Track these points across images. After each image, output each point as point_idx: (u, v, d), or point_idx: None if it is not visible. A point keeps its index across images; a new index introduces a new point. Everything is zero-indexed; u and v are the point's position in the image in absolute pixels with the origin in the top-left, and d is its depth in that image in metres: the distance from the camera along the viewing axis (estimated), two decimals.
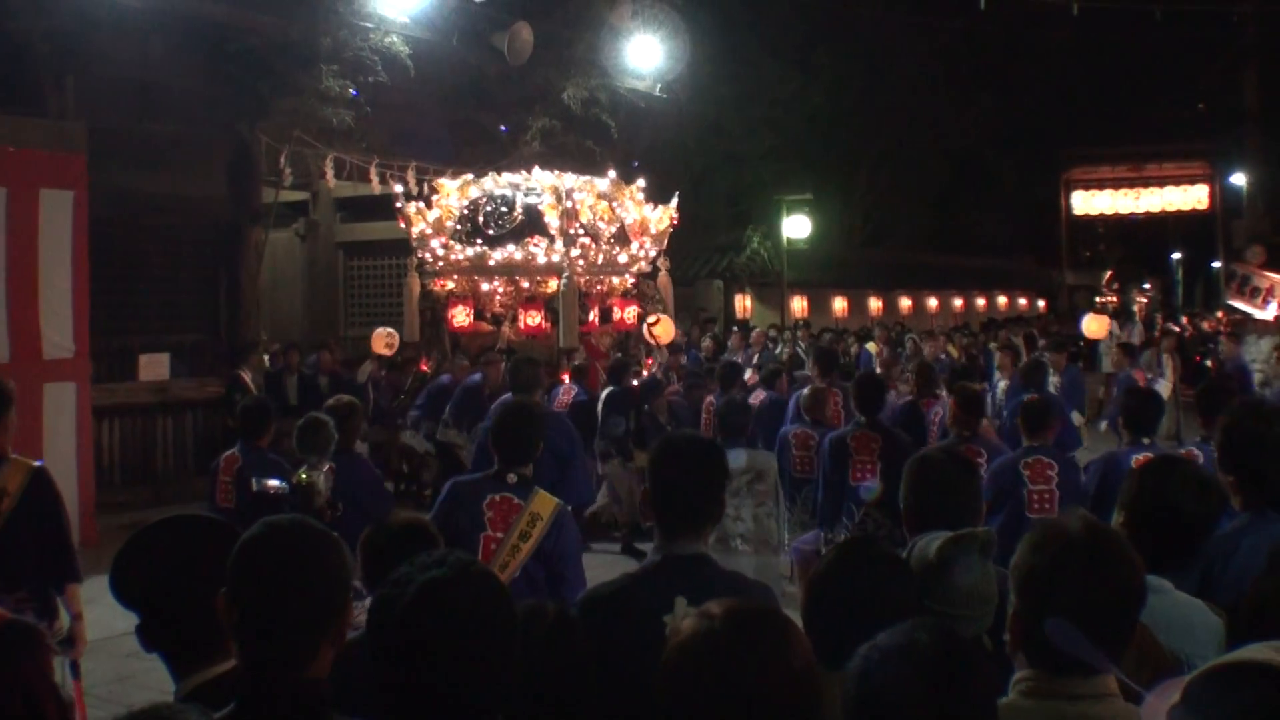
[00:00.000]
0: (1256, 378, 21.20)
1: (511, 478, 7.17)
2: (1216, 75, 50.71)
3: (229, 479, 10.03)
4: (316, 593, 3.18)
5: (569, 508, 7.35)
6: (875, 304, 47.99)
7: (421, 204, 20.64)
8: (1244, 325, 32.08)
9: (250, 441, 10.05)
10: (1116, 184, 60.25)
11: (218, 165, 21.06)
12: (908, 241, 55.27)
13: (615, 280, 21.36)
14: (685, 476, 4.65)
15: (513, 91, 24.61)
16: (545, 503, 7.11)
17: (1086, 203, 61.17)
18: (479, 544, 6.92)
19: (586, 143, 25.02)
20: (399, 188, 21.24)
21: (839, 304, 45.77)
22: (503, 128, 24.83)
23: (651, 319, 21.15)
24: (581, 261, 20.03)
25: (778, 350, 26.72)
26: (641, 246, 21.08)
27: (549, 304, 20.09)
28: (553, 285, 20.05)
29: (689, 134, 32.19)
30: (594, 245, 20.25)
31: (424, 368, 20.32)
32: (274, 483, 8.99)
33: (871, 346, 27.07)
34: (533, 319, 20.23)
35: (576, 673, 4.22)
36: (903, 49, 47.24)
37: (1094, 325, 26.78)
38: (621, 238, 20.83)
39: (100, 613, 10.97)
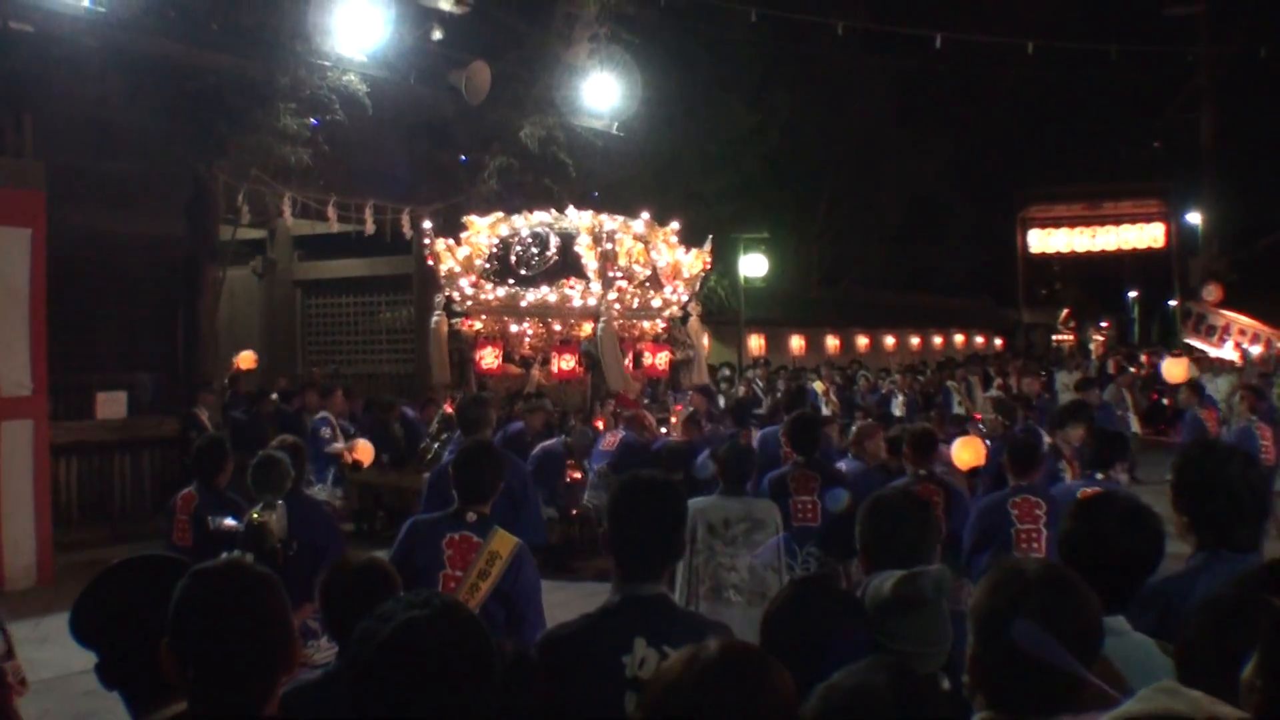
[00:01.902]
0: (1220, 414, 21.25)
1: (471, 516, 7.17)
2: (1172, 115, 51.16)
3: (185, 517, 9.94)
4: (256, 636, 3.20)
5: (528, 547, 7.36)
6: (833, 342, 48.02)
7: (451, 241, 20.50)
8: (1202, 363, 32.23)
9: (206, 480, 9.99)
10: (1073, 222, 60.44)
11: (175, 203, 20.98)
12: (865, 280, 55.41)
13: (647, 325, 21.21)
14: (643, 517, 4.66)
15: (470, 130, 24.61)
16: (504, 541, 7.11)
17: (1043, 241, 61.34)
18: (439, 582, 6.91)
19: (544, 181, 25.02)
20: (427, 223, 21.11)
21: (796, 342, 45.80)
22: (462, 157, 24.79)
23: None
24: (618, 305, 19.87)
25: (731, 390, 26.71)
26: (675, 291, 20.93)
27: (582, 348, 19.94)
28: (586, 328, 19.90)
29: (646, 172, 32.22)
30: (630, 288, 20.11)
31: (449, 409, 20.08)
32: (229, 522, 8.96)
33: (818, 385, 27.12)
34: (566, 363, 20.04)
35: (534, 713, 4.23)
36: (859, 87, 47.41)
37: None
38: (654, 281, 20.70)
39: (56, 651, 10.95)
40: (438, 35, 23.16)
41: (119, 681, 3.69)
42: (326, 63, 20.84)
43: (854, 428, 13.60)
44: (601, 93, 26.67)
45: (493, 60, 23.71)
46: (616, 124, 27.63)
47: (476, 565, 7.00)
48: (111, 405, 19.94)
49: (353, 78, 21.17)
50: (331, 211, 22.55)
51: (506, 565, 7.02)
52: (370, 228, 23.12)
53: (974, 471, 13.78)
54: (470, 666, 2.98)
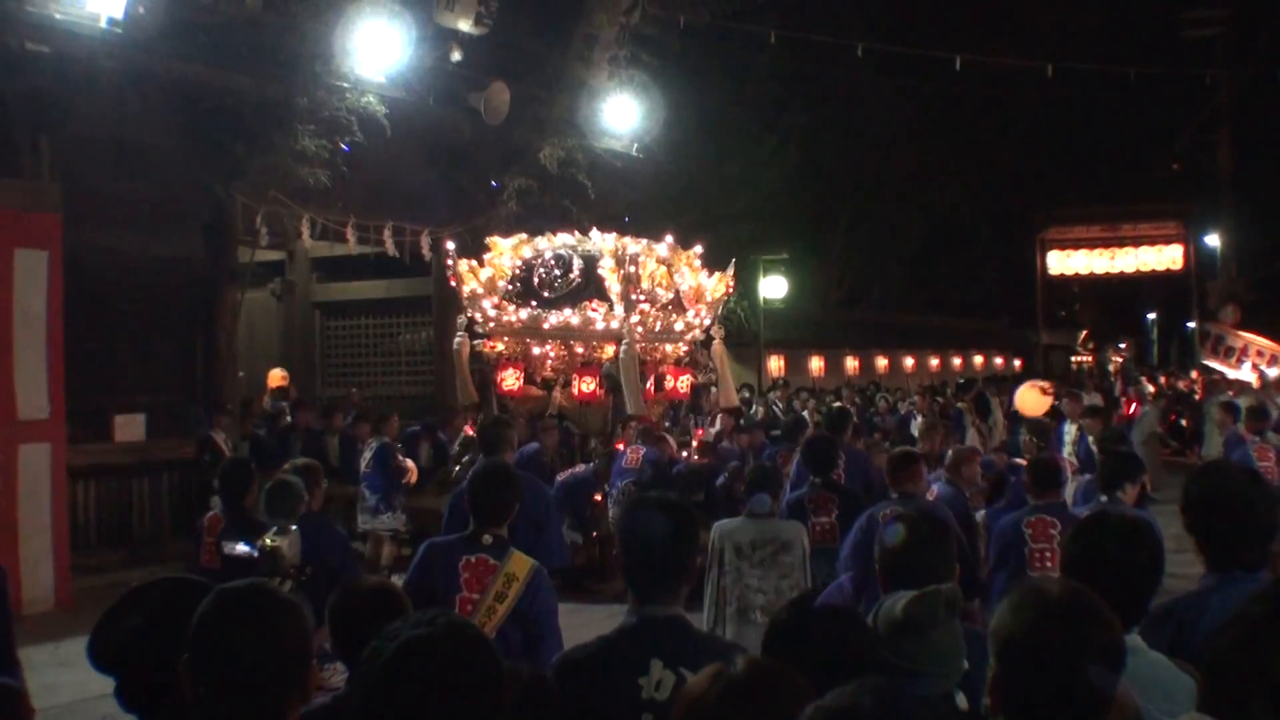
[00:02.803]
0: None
1: (487, 538, 7.15)
2: (1191, 137, 51.16)
3: (213, 540, 9.90)
4: (275, 658, 3.19)
5: (545, 569, 7.32)
6: (852, 363, 48.00)
7: (474, 262, 20.49)
8: (1219, 385, 32.16)
9: (233, 502, 9.94)
10: (1091, 244, 60.34)
11: (193, 225, 21.00)
12: (884, 301, 55.43)
13: (669, 348, 21.18)
14: (655, 538, 4.64)
15: (490, 152, 24.62)
16: (521, 563, 7.09)
17: (1062, 263, 61.23)
18: (455, 605, 6.89)
19: (564, 202, 25.01)
20: (450, 244, 21.01)
21: (816, 364, 45.75)
22: (494, 184, 24.79)
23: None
24: (640, 328, 19.83)
25: (752, 410, 26.68)
26: (697, 315, 20.88)
27: (603, 370, 19.92)
28: (608, 351, 19.90)
29: (665, 193, 32.22)
30: (653, 311, 20.12)
31: (470, 430, 19.96)
32: (242, 548, 8.93)
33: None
34: (587, 385, 19.96)
35: None
36: (878, 109, 47.32)
37: (1028, 400, 26.58)
38: (677, 304, 20.68)
39: (75, 675, 10.93)
40: (457, 56, 23.17)
41: (137, 704, 3.66)
42: (345, 84, 20.87)
43: (949, 453, 13.46)
44: (621, 114, 26.68)
45: (512, 82, 23.73)
46: (636, 145, 27.65)
47: (493, 588, 6.98)
48: (129, 428, 19.91)
49: (371, 99, 21.19)
50: (350, 233, 22.56)
51: (523, 587, 7.00)
52: (390, 249, 23.12)
53: (998, 491, 13.74)
54: (476, 683, 2.95)
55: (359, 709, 2.94)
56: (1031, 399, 24.93)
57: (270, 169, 20.35)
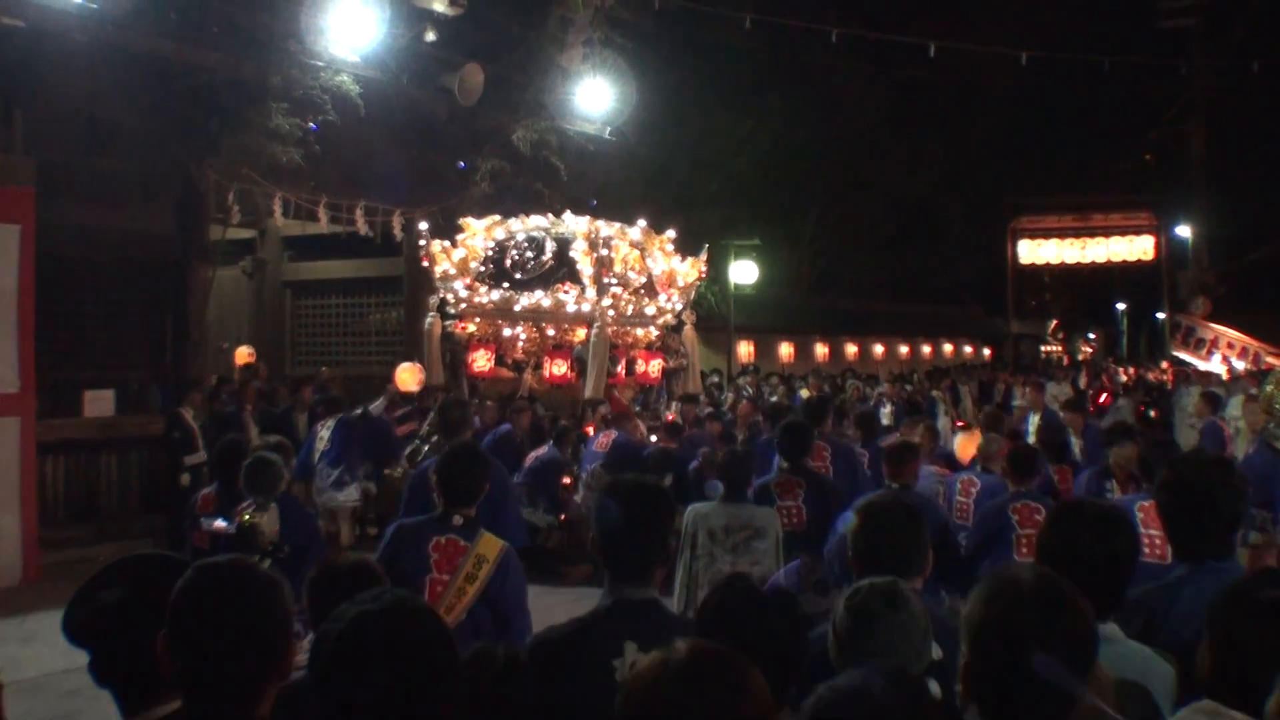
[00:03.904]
0: (1199, 425, 21.17)
1: (457, 519, 7.15)
2: (1163, 127, 51.32)
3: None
4: (255, 635, 3.18)
5: (514, 551, 7.32)
6: (821, 350, 48.07)
7: (447, 243, 20.45)
8: (1188, 376, 32.25)
9: (227, 482, 9.88)
10: (1063, 234, 60.51)
11: (165, 201, 20.93)
12: (855, 288, 55.39)
13: (640, 332, 21.17)
14: (630, 521, 4.64)
15: (463, 132, 24.59)
16: (491, 545, 7.08)
17: (1033, 252, 61.41)
18: (425, 586, 6.88)
19: (536, 184, 24.98)
20: (423, 225, 20.93)
21: (785, 349, 45.84)
22: (461, 164, 24.75)
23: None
24: (612, 311, 19.81)
25: (722, 397, 26.66)
26: (669, 299, 20.88)
27: (575, 353, 19.89)
28: (580, 334, 19.86)
29: (638, 176, 32.21)
30: (625, 295, 20.08)
31: None
32: (220, 524, 8.90)
33: (804, 392, 27.17)
34: (558, 367, 20.03)
35: (525, 716, 4.20)
36: (852, 95, 47.43)
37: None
38: (649, 289, 20.66)
39: (39, 650, 10.91)
40: (431, 37, 23.10)
41: (111, 680, 3.65)
42: (319, 63, 20.80)
43: (985, 441, 13.47)
44: (594, 97, 26.65)
45: (486, 63, 23.66)
46: (609, 128, 27.61)
47: (463, 569, 6.97)
48: (99, 404, 19.85)
49: (345, 78, 21.13)
50: (322, 212, 22.51)
51: (494, 569, 6.99)
52: (361, 229, 23.08)
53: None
54: (425, 658, 2.97)
55: (315, 687, 2.95)
56: None
57: (243, 147, 20.29)
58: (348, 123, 21.17)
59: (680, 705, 2.75)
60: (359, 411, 19.26)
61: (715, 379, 29.67)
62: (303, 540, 8.98)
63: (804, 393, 26.82)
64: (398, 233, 23.73)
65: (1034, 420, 19.25)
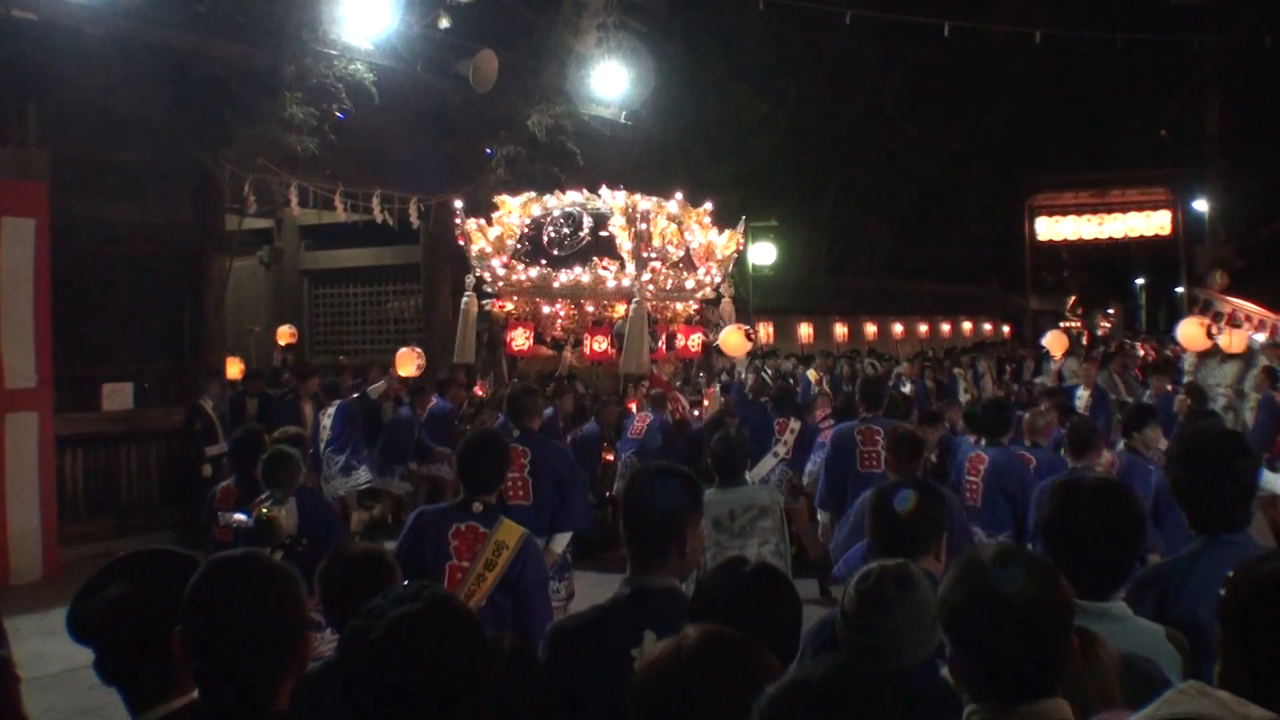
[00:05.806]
0: (1220, 402, 21.12)
1: (477, 506, 7.16)
2: (1179, 103, 51.23)
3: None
4: (270, 628, 3.17)
5: (534, 537, 7.32)
6: (841, 330, 47.95)
7: (482, 221, 20.42)
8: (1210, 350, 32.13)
9: (245, 472, 9.89)
10: (1080, 210, 60.45)
11: (181, 193, 20.91)
12: (873, 268, 55.39)
13: (679, 306, 21.18)
14: (652, 507, 4.64)
15: (478, 119, 24.55)
16: (511, 531, 7.09)
17: (1050, 229, 61.34)
18: (445, 573, 6.90)
19: (552, 170, 24.93)
20: (458, 203, 20.90)
21: (805, 330, 45.74)
22: (489, 151, 24.70)
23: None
24: (651, 286, 19.78)
25: (742, 378, 26.67)
26: (708, 272, 20.83)
27: (615, 329, 19.86)
28: (619, 310, 19.83)
29: (654, 160, 32.17)
30: (664, 269, 20.11)
31: (480, 392, 19.90)
32: (239, 517, 8.89)
33: (811, 374, 27.23)
34: (599, 344, 19.92)
35: (533, 708, 4.19)
36: (868, 76, 47.42)
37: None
38: (688, 262, 20.63)
39: (62, 645, 10.87)
40: (445, 24, 23.09)
41: (118, 677, 3.65)
42: (333, 51, 20.79)
43: (1025, 417, 13.42)
44: (609, 81, 26.65)
45: (500, 49, 23.64)
46: (625, 113, 27.63)
47: (483, 556, 6.98)
48: (117, 397, 19.85)
49: (359, 66, 21.11)
50: (338, 201, 22.48)
51: (513, 555, 7.00)
52: (378, 216, 23.06)
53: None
54: (465, 659, 2.94)
55: (348, 685, 2.93)
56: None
57: (258, 137, 20.24)
58: (362, 111, 21.13)
59: (693, 692, 2.75)
60: (356, 395, 19.31)
61: (725, 378, 29.72)
62: (322, 532, 8.98)
63: (811, 374, 26.94)
64: (414, 220, 23.70)
65: (1082, 395, 19.22)
